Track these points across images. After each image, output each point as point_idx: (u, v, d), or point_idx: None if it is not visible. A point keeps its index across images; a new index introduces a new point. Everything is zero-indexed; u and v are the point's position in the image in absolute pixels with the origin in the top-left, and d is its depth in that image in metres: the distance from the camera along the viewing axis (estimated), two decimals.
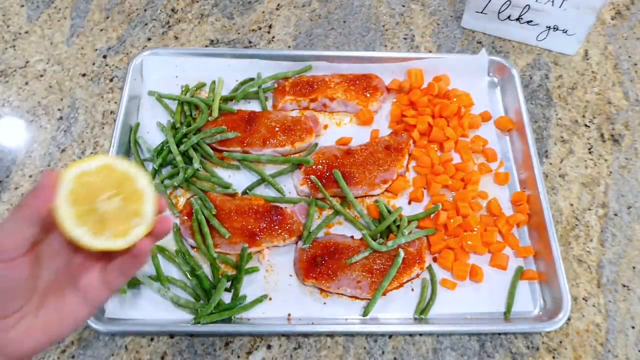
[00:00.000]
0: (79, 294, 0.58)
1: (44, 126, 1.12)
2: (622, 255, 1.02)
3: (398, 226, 0.98)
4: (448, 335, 0.93)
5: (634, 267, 1.01)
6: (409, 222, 0.99)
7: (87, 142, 1.10)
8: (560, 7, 1.17)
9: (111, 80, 1.19)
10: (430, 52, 1.26)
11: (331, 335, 0.92)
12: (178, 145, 1.04)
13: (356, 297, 0.94)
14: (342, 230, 1.02)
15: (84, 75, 1.20)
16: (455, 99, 1.13)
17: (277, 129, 1.07)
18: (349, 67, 1.18)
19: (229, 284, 0.93)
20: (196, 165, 1.02)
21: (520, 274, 0.97)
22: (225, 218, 0.97)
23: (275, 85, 1.15)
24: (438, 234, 1.00)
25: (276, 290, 0.95)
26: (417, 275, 0.97)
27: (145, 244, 0.56)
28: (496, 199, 1.04)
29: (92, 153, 1.08)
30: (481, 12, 1.25)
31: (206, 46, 1.25)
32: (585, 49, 1.29)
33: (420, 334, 0.93)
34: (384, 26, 1.31)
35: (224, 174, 1.07)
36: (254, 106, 1.16)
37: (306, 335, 0.92)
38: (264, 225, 0.97)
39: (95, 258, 0.59)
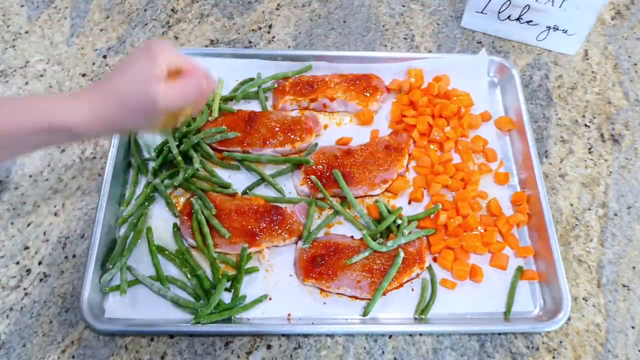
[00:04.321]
0: None
1: None
2: (622, 255, 1.02)
3: (398, 226, 0.98)
4: (448, 335, 0.93)
5: (634, 267, 1.01)
6: (409, 222, 0.99)
7: (87, 142, 1.10)
8: (560, 7, 1.16)
9: None
10: (430, 52, 1.26)
11: (331, 335, 0.92)
12: (178, 145, 1.04)
13: (356, 297, 0.94)
14: (342, 230, 1.02)
15: (84, 75, 1.20)
16: (455, 99, 1.13)
17: (277, 129, 1.07)
18: (349, 67, 1.18)
19: (229, 284, 0.93)
20: (196, 165, 1.02)
21: (520, 274, 0.97)
22: (225, 218, 0.97)
23: (275, 85, 1.15)
24: (438, 234, 1.00)
25: (276, 290, 0.95)
26: (417, 275, 0.97)
27: None
28: (496, 199, 1.04)
29: (92, 153, 1.08)
30: (481, 12, 1.25)
31: (206, 46, 1.25)
32: (585, 49, 1.29)
33: (420, 334, 0.93)
34: (384, 26, 1.31)
35: (224, 174, 1.07)
36: (254, 106, 1.16)
37: (306, 335, 0.92)
38: (264, 225, 0.97)
39: None
